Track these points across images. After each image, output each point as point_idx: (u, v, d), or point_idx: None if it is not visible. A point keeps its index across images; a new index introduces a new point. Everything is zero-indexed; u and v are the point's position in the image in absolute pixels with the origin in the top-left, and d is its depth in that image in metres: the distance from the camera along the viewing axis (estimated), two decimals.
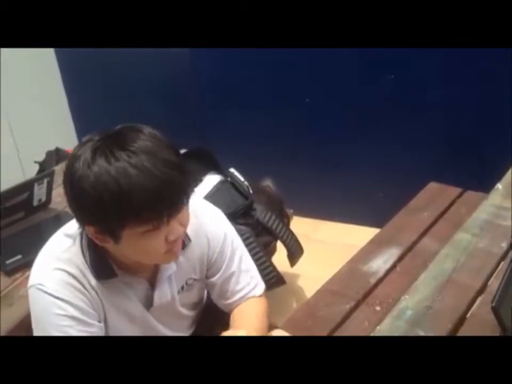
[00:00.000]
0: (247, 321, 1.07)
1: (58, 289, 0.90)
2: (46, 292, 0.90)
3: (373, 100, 2.21)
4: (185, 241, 0.99)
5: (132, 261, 0.94)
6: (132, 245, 0.87)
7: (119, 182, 0.79)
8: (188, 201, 0.88)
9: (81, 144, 0.85)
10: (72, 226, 0.96)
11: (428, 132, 2.17)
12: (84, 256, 0.93)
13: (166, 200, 0.82)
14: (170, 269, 1.00)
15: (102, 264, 0.93)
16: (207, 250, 1.05)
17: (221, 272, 1.08)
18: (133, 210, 0.81)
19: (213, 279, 1.08)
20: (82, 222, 0.88)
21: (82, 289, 0.93)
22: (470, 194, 1.75)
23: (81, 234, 0.94)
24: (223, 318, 1.14)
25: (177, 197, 0.84)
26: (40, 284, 0.91)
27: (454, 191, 1.76)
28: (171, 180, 0.82)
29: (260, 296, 1.12)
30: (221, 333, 1.04)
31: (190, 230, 0.98)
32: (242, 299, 1.10)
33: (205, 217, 1.04)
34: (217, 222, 1.07)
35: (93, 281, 0.94)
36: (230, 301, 1.10)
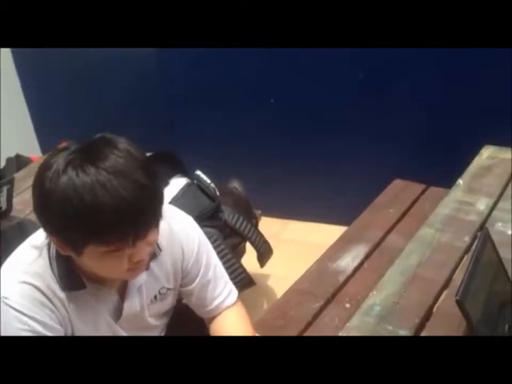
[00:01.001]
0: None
1: (23, 304, 0.87)
2: (9, 306, 0.87)
3: (338, 98, 2.23)
4: (155, 251, 0.96)
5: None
6: (93, 261, 0.85)
7: (84, 199, 0.76)
8: (157, 224, 0.86)
9: (55, 152, 0.82)
10: (39, 236, 0.93)
11: (393, 129, 2.20)
12: (52, 268, 0.90)
13: (131, 223, 0.79)
14: (140, 279, 0.97)
15: (70, 275, 0.90)
16: (181, 258, 1.02)
17: (197, 280, 1.05)
18: (96, 230, 0.78)
19: (189, 288, 1.06)
20: (46, 231, 0.86)
21: (48, 303, 0.89)
22: (434, 190, 1.79)
23: (48, 245, 0.91)
24: (193, 326, 1.13)
25: (144, 219, 0.81)
26: (4, 297, 0.87)
27: (418, 187, 1.81)
28: (138, 201, 0.79)
29: (235, 302, 1.11)
30: None
31: (161, 238, 0.94)
32: (220, 306, 1.09)
33: (176, 225, 1.02)
34: (190, 229, 1.05)
35: (60, 293, 0.91)
36: (208, 308, 1.09)
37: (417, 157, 2.18)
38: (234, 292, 1.12)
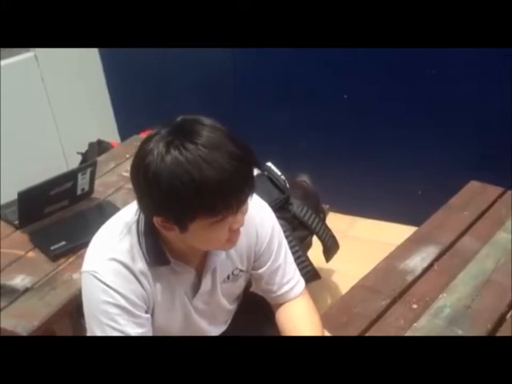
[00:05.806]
0: (303, 328, 1.08)
1: (111, 279, 0.93)
2: (99, 280, 0.92)
3: (412, 96, 2.18)
4: None
5: (186, 249, 0.97)
6: (197, 235, 0.89)
7: (192, 175, 0.81)
8: (253, 192, 0.90)
9: (148, 139, 0.87)
10: (128, 213, 0.99)
11: (469, 130, 2.12)
12: (140, 243, 0.94)
13: (235, 192, 0.85)
14: (220, 256, 1.02)
15: (157, 251, 0.95)
16: (255, 242, 1.06)
17: (268, 264, 1.09)
18: (205, 202, 0.83)
19: (260, 271, 1.10)
20: (151, 213, 0.89)
21: (134, 280, 0.94)
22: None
23: (137, 221, 0.95)
24: (260, 315, 1.17)
25: (244, 188, 0.87)
26: (94, 271, 0.93)
27: (495, 190, 1.73)
28: (238, 172, 0.84)
29: (302, 292, 1.14)
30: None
31: None
32: (288, 293, 1.12)
33: (253, 209, 1.04)
34: (266, 215, 1.08)
35: (146, 269, 0.95)
36: (277, 294, 1.12)
37: (495, 159, 2.08)
38: (302, 282, 1.14)
